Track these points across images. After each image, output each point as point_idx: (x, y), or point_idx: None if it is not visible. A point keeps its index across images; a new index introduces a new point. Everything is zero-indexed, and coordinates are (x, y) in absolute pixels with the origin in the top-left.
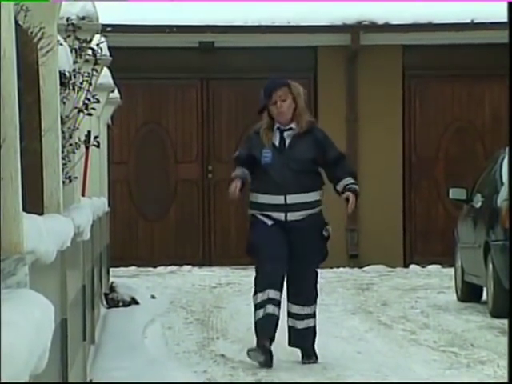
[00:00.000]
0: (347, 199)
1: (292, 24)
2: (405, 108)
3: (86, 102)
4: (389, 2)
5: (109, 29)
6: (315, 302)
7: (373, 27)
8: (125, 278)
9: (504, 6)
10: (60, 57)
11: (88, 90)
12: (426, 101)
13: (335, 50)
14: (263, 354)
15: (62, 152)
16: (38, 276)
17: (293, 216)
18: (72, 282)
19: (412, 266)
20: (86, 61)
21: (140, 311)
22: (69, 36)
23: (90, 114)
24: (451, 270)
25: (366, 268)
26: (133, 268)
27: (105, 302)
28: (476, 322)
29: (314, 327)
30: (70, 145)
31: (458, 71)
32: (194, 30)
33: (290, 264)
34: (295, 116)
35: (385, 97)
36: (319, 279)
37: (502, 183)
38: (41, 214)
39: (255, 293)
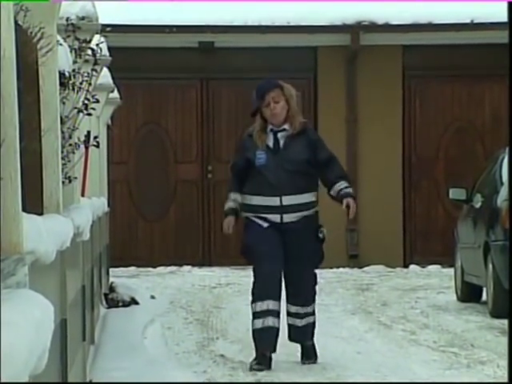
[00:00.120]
0: (347, 206)
1: (292, 24)
2: (405, 108)
3: (86, 102)
4: (389, 2)
5: (108, 29)
6: (314, 301)
7: (373, 27)
8: (124, 278)
9: (504, 6)
10: (60, 57)
11: (88, 90)
12: (425, 101)
13: (335, 50)
14: (264, 364)
15: (62, 152)
16: (38, 276)
17: (288, 218)
18: (72, 282)
19: (412, 266)
20: (86, 61)
21: (140, 311)
22: (68, 36)
23: (89, 114)
24: (451, 270)
25: (365, 268)
26: (132, 268)
27: (104, 302)
28: (476, 322)
29: (314, 322)
30: (70, 145)
31: (458, 71)
32: (194, 30)
33: (287, 266)
34: (288, 117)
35: (385, 97)
36: (319, 280)
37: (502, 183)
38: (40, 214)
39: (254, 301)
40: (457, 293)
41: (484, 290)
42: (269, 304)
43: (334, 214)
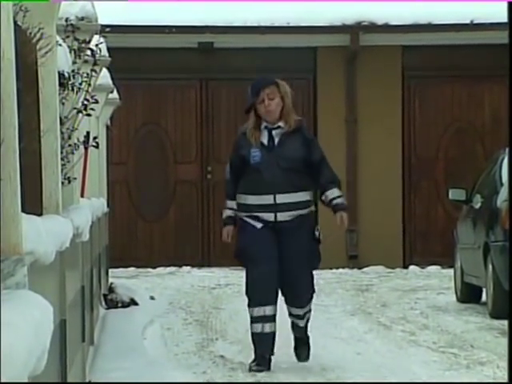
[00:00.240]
0: (340, 220)
1: (291, 25)
2: (404, 109)
3: (85, 102)
4: (388, 3)
5: (108, 29)
6: (311, 298)
7: (372, 28)
8: (124, 279)
9: (504, 7)
10: (59, 57)
11: (87, 91)
12: (425, 101)
13: (335, 50)
14: (263, 365)
15: (61, 153)
16: (37, 277)
17: (282, 216)
18: (71, 282)
19: (411, 267)
20: (85, 61)
21: (139, 312)
22: (68, 36)
23: (89, 115)
24: (451, 271)
25: (365, 269)
26: (132, 269)
27: (104, 303)
28: (476, 322)
29: (309, 318)
30: (69, 145)
31: (458, 72)
32: (194, 30)
33: (283, 266)
34: (283, 115)
35: (384, 97)
36: (319, 280)
37: (502, 184)
38: (40, 214)
39: (250, 305)
40: (456, 293)
41: (484, 290)
42: (265, 310)
43: (333, 214)
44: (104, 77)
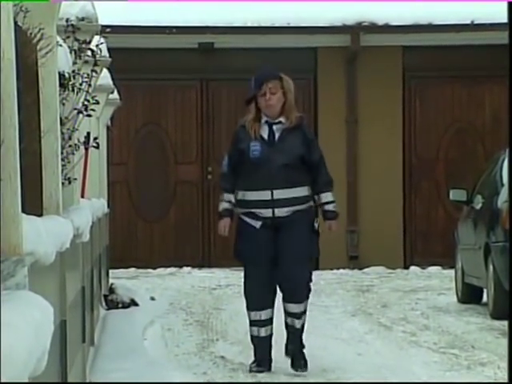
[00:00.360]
0: (329, 228)
1: (292, 25)
2: (405, 109)
3: (86, 103)
4: (389, 3)
5: (108, 30)
6: (307, 297)
7: (373, 28)
8: (124, 280)
9: (504, 7)
10: (59, 58)
11: (87, 91)
12: (426, 102)
13: (335, 51)
14: (264, 366)
15: (62, 153)
16: (37, 277)
17: (280, 212)
18: (71, 283)
19: (412, 268)
20: (86, 62)
21: (139, 313)
22: (68, 37)
23: (89, 115)
24: (451, 272)
25: (366, 269)
26: (132, 269)
27: (104, 304)
28: (476, 323)
29: (304, 324)
30: (70, 146)
31: (458, 72)
32: (194, 30)
33: (281, 261)
34: (284, 110)
35: (385, 98)
36: (319, 281)
37: (503, 184)
38: (40, 215)
39: (248, 308)
40: (457, 294)
41: (484, 291)
42: (261, 315)
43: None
44: (104, 77)
